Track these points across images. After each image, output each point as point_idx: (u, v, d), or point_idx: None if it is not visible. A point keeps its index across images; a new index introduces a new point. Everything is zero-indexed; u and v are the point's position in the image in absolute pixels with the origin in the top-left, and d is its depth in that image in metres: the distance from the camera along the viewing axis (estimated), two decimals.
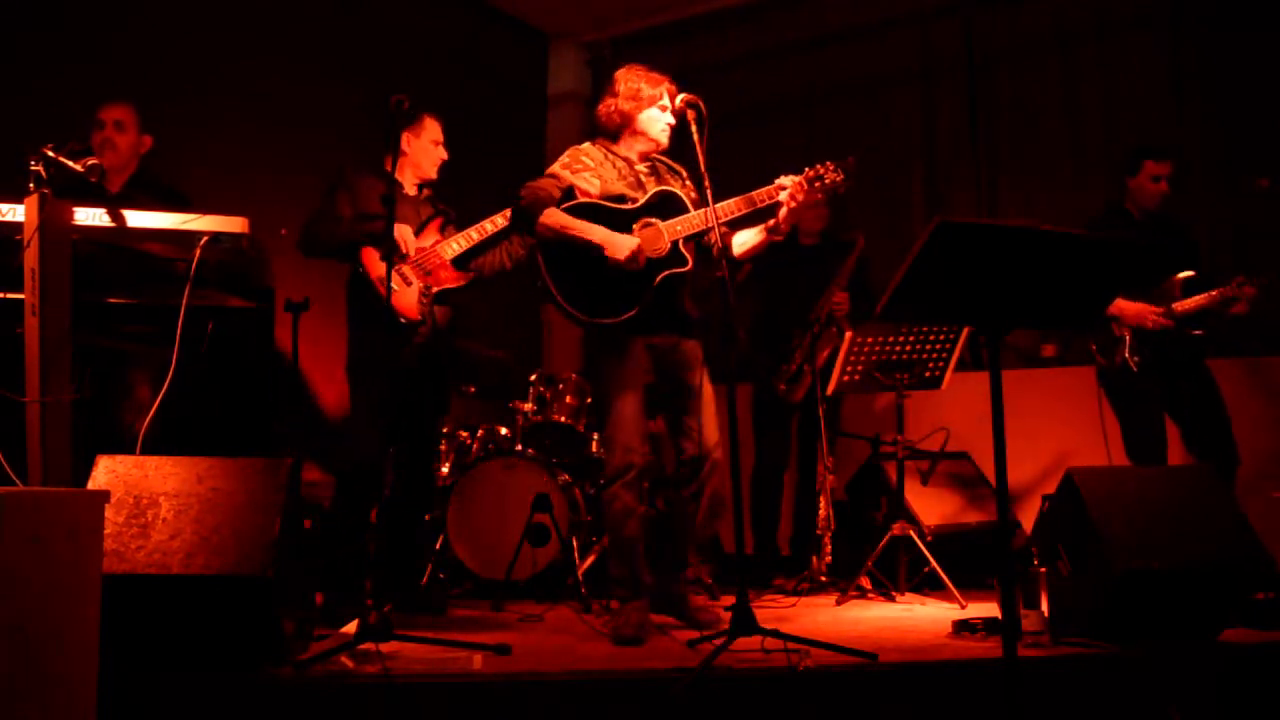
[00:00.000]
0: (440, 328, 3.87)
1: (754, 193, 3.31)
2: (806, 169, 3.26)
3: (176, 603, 2.54)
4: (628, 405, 3.34)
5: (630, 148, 3.49)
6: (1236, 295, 4.02)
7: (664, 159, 3.52)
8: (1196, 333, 4.11)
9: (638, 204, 3.38)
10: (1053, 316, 2.61)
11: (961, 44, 5.65)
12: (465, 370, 4.71)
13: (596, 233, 3.28)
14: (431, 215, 3.93)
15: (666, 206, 3.36)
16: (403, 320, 3.68)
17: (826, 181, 3.23)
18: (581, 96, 7.15)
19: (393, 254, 3.29)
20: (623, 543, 3.37)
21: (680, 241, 3.32)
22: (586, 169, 3.43)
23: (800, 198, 3.24)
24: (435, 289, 3.79)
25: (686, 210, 3.36)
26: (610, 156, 3.48)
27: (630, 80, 3.44)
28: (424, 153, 3.89)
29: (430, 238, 3.86)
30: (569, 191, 3.40)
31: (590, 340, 3.49)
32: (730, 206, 3.29)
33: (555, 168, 3.48)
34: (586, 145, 3.52)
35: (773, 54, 6.48)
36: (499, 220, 3.84)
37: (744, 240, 3.44)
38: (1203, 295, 4.09)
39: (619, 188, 3.41)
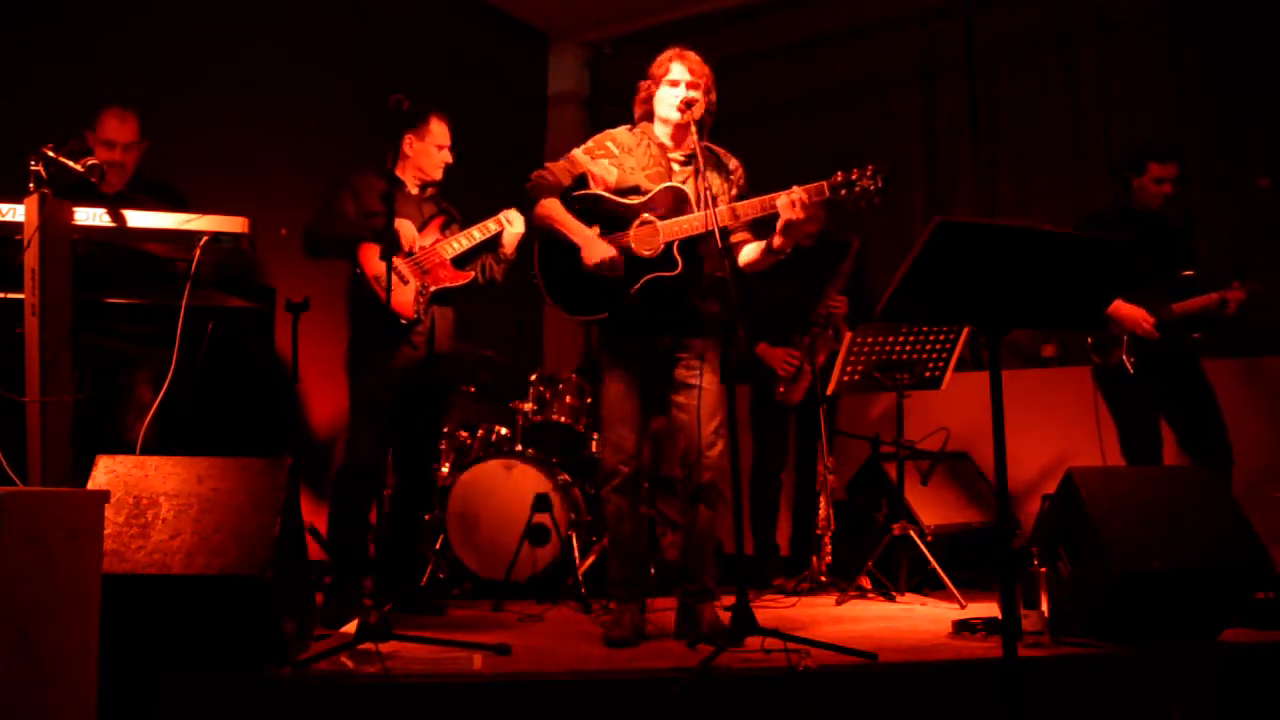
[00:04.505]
0: (440, 327, 3.82)
1: (740, 204, 3.14)
2: (839, 173, 2.97)
3: (177, 603, 2.54)
4: (617, 405, 3.29)
5: (662, 132, 3.33)
6: (1228, 300, 4.06)
7: (716, 148, 3.31)
8: (1195, 336, 4.12)
9: (643, 199, 3.25)
10: (1053, 316, 2.61)
11: (961, 44, 5.63)
12: (462, 370, 4.69)
13: (579, 233, 3.22)
14: (434, 214, 3.89)
15: (672, 204, 3.22)
16: (402, 320, 3.65)
17: (856, 190, 2.93)
18: (581, 97, 7.15)
19: (392, 250, 3.26)
20: (615, 544, 3.36)
21: (675, 244, 3.18)
22: (608, 155, 3.32)
23: (803, 213, 3.00)
24: (433, 288, 3.74)
25: (693, 210, 3.19)
26: (645, 142, 3.33)
27: (656, 61, 3.30)
28: (425, 155, 3.85)
29: (431, 236, 3.82)
30: (582, 178, 3.33)
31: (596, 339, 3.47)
32: (723, 214, 3.11)
33: (576, 151, 3.39)
34: (621, 129, 3.38)
35: (772, 54, 6.48)
36: (503, 221, 3.83)
37: (747, 254, 3.28)
38: (1202, 297, 4.10)
39: (637, 178, 3.28)
